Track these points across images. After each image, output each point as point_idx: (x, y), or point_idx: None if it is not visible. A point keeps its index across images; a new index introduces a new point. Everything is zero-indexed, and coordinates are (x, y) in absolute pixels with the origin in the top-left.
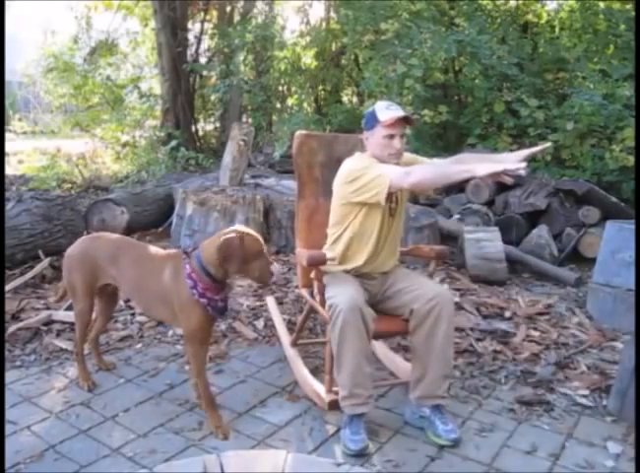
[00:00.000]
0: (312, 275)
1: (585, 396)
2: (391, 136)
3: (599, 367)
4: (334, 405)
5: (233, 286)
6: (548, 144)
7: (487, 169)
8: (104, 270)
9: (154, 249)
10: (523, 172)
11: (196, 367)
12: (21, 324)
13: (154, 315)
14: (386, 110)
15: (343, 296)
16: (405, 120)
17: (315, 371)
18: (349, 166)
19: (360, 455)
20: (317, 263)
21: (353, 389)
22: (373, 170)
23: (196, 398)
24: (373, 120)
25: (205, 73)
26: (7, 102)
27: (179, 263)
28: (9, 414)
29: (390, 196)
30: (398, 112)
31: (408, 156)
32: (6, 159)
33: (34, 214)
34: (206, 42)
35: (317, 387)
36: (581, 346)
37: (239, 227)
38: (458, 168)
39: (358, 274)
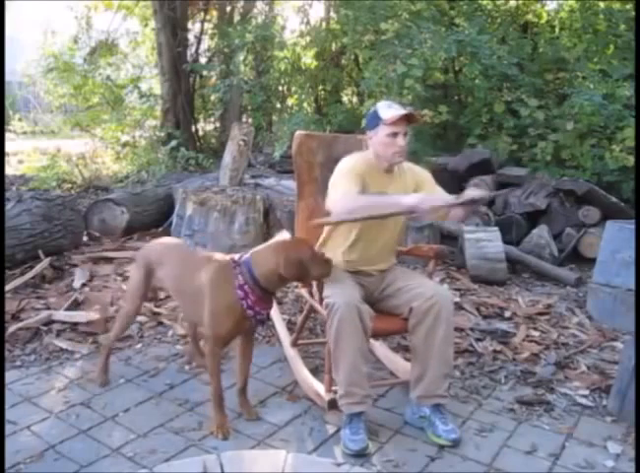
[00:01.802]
0: None
1: (585, 396)
2: (394, 134)
3: (599, 367)
4: (333, 404)
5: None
6: (487, 194)
7: (417, 199)
8: (155, 272)
9: (197, 251)
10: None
11: (210, 365)
12: (21, 324)
13: (191, 317)
14: (388, 109)
15: (340, 294)
16: (407, 118)
17: (315, 371)
18: (338, 166)
19: (360, 455)
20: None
21: (349, 388)
22: (337, 188)
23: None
24: (376, 119)
25: (205, 73)
26: (7, 102)
27: (223, 269)
28: (9, 414)
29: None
30: (400, 110)
31: (424, 176)
32: (6, 159)
33: (34, 214)
34: (206, 42)
35: (317, 387)
36: (581, 346)
37: (286, 237)
38: (383, 202)
39: (354, 270)
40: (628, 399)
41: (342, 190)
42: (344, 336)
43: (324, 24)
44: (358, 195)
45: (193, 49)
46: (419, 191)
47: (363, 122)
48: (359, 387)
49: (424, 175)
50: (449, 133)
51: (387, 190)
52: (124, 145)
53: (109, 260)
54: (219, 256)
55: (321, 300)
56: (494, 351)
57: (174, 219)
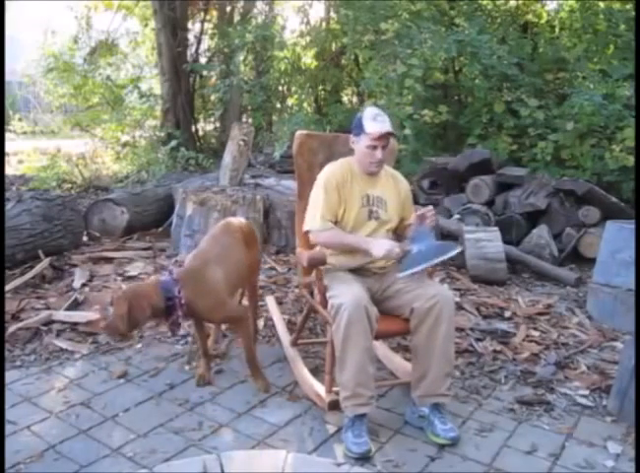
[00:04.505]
0: (313, 275)
1: (585, 396)
2: (374, 147)
3: (599, 367)
4: (334, 405)
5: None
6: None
7: (383, 252)
8: None
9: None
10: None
11: None
12: (21, 324)
13: None
14: (373, 122)
15: (347, 295)
16: (389, 134)
17: (315, 371)
18: (319, 175)
19: (364, 458)
20: (317, 263)
21: (356, 389)
22: (313, 211)
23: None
24: (360, 128)
25: (205, 73)
26: (7, 102)
27: None
28: (9, 414)
29: (369, 198)
30: (384, 126)
31: (406, 188)
32: (6, 159)
33: (34, 214)
34: (206, 42)
35: (317, 387)
36: (581, 346)
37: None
38: (356, 242)
39: (354, 268)
40: (628, 399)
41: (318, 220)
42: (352, 337)
43: (324, 24)
44: (334, 233)
45: (193, 49)
46: (399, 198)
47: (352, 125)
48: (366, 388)
49: (406, 188)
50: (449, 133)
51: (371, 192)
52: (124, 145)
53: (109, 260)
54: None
55: (322, 300)
56: (494, 351)
57: (174, 219)
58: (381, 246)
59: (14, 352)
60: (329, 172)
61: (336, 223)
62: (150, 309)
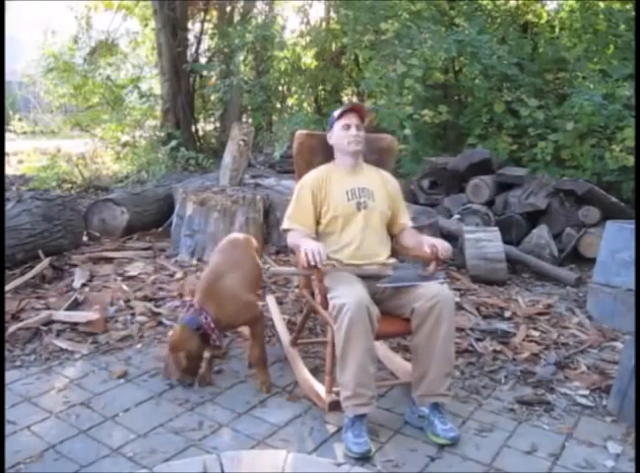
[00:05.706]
0: (312, 276)
1: (585, 396)
2: (347, 126)
3: (599, 367)
4: (334, 405)
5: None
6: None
7: (305, 249)
8: None
9: None
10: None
11: None
12: (21, 324)
13: None
14: (340, 109)
15: (348, 295)
16: (356, 111)
17: (315, 371)
18: (303, 178)
19: (364, 458)
20: (317, 263)
21: (357, 389)
22: (292, 204)
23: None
24: (331, 120)
25: (205, 73)
26: (7, 102)
27: None
28: (9, 414)
29: (354, 191)
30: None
31: (394, 184)
32: (6, 159)
33: (34, 214)
34: (206, 42)
35: (317, 387)
36: (581, 346)
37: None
38: (303, 241)
39: (355, 265)
40: (628, 399)
41: (286, 222)
42: (354, 337)
43: (324, 24)
44: (294, 234)
45: (193, 49)
46: (386, 189)
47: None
48: (367, 388)
49: (395, 186)
50: (449, 133)
51: (355, 186)
52: (124, 145)
53: (109, 260)
54: None
55: (323, 301)
56: (494, 351)
57: (174, 219)
58: (309, 244)
59: (14, 352)
60: (305, 178)
61: (319, 223)
62: (185, 359)
